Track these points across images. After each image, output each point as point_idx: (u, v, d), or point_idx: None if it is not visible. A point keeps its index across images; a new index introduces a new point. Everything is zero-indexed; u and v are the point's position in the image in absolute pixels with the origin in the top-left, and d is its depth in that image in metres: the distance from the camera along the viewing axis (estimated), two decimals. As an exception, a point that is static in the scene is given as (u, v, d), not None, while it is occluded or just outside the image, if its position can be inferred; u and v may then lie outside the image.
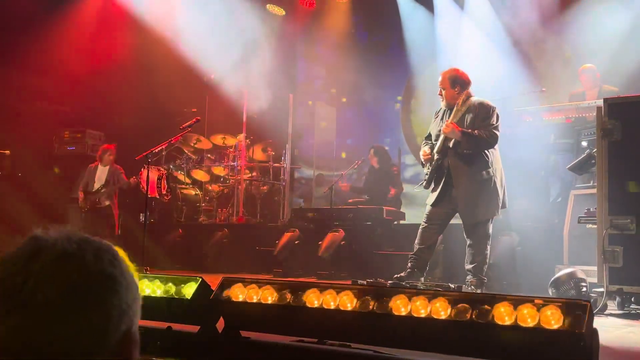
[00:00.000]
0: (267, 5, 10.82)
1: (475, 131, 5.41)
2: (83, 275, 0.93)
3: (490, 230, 5.51)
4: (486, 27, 9.41)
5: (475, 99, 5.64)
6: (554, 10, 8.77)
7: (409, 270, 5.58)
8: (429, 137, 5.94)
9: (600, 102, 4.93)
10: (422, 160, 5.75)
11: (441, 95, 5.71)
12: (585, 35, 8.04)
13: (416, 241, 5.65)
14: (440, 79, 5.74)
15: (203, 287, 2.84)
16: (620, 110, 4.76)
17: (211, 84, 10.48)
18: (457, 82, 5.63)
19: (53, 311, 0.90)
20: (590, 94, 7.38)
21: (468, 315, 1.95)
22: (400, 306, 2.05)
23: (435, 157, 5.58)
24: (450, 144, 5.52)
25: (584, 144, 6.07)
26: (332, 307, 2.14)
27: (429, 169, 5.67)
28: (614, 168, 4.74)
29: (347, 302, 2.14)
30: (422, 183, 5.77)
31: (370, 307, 2.08)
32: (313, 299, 2.18)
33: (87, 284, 0.93)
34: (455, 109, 5.62)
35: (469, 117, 5.52)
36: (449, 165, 5.54)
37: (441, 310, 1.98)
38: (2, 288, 0.91)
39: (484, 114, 5.50)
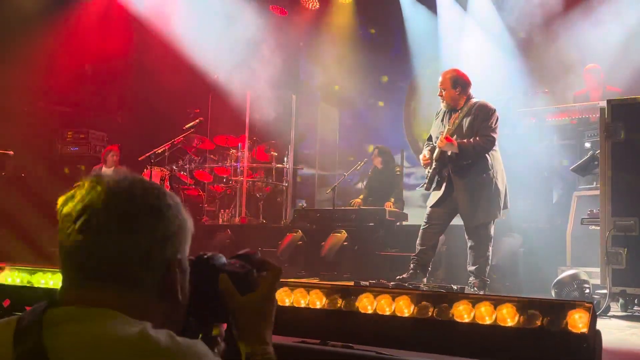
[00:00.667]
0: (270, 6, 10.82)
1: (471, 140, 5.40)
2: (132, 206, 1.12)
3: (492, 232, 5.50)
4: (489, 28, 9.40)
5: (475, 100, 5.63)
6: (557, 11, 8.76)
7: (411, 271, 5.58)
8: (430, 138, 5.93)
9: (604, 103, 4.92)
10: (422, 164, 5.75)
11: (441, 96, 5.67)
12: (589, 35, 8.03)
13: (417, 242, 5.65)
14: (440, 79, 5.71)
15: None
16: (624, 112, 4.75)
17: (214, 85, 10.49)
18: (458, 83, 5.61)
19: (106, 233, 1.10)
20: (594, 94, 7.37)
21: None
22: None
23: (434, 165, 5.58)
24: (448, 152, 5.52)
25: (587, 145, 6.07)
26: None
27: (429, 172, 5.67)
28: (617, 169, 4.73)
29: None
30: (423, 184, 5.76)
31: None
32: (299, 298, 2.22)
33: (135, 213, 1.12)
34: (455, 111, 5.61)
35: (467, 120, 5.51)
36: (449, 170, 5.54)
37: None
38: (66, 215, 1.12)
39: (483, 115, 5.48)
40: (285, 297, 2.23)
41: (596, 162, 5.20)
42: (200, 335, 1.29)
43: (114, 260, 1.10)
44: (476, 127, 5.45)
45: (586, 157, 5.50)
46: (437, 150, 5.56)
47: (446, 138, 5.42)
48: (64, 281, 1.13)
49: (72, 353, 0.99)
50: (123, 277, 1.11)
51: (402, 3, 10.50)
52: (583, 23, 8.26)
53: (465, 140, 5.41)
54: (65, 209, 1.12)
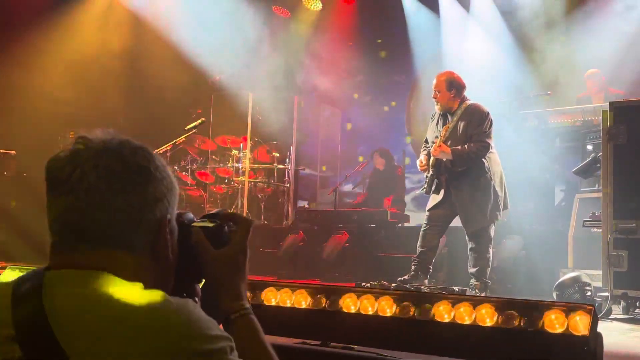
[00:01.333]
0: (273, 7, 10.83)
1: (465, 146, 5.40)
2: (121, 165, 1.11)
3: (493, 233, 5.50)
4: (492, 30, 9.39)
5: (470, 102, 5.63)
6: (560, 12, 8.75)
7: (412, 273, 5.58)
8: (427, 141, 5.93)
9: (606, 106, 4.92)
10: (419, 169, 5.76)
11: (436, 98, 5.65)
12: (592, 37, 8.02)
13: (418, 244, 5.65)
14: (435, 81, 5.69)
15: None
16: (626, 114, 4.75)
17: (216, 86, 10.49)
18: (453, 86, 5.60)
19: (96, 193, 1.09)
20: (596, 98, 7.37)
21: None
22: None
23: (430, 171, 5.58)
24: (444, 159, 5.52)
25: (590, 147, 6.06)
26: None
27: (427, 176, 5.67)
28: (619, 172, 4.72)
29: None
30: (423, 187, 5.78)
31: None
32: (270, 297, 2.24)
33: (124, 172, 1.11)
34: (449, 114, 5.61)
35: (462, 124, 5.51)
36: (450, 172, 5.54)
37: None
38: (55, 176, 1.11)
39: (477, 120, 5.48)
40: (271, 297, 2.25)
41: (598, 165, 5.19)
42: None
43: (105, 222, 1.09)
44: (470, 131, 5.45)
45: (588, 160, 5.50)
46: (432, 157, 5.57)
47: (439, 146, 5.43)
48: (54, 245, 1.12)
49: (71, 316, 1.00)
50: (115, 239, 1.10)
51: (405, 4, 10.50)
52: (585, 25, 8.26)
53: (459, 147, 5.40)
54: (53, 171, 1.11)
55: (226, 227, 1.32)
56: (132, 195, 1.11)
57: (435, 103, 5.69)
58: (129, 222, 1.11)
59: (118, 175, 1.10)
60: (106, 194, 1.09)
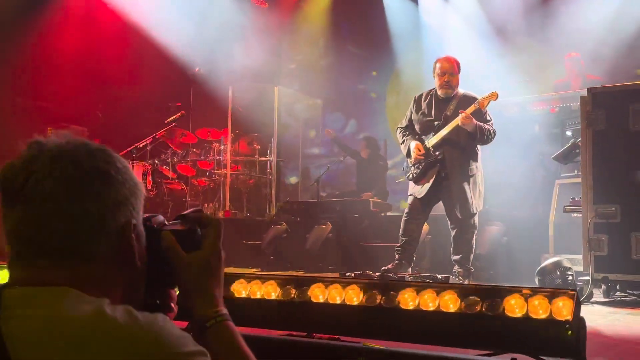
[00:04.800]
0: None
1: (485, 126, 5.42)
2: (78, 170, 1.04)
3: (477, 221, 5.53)
4: (470, 18, 9.42)
5: (463, 91, 5.66)
6: (537, 1, 8.81)
7: (396, 262, 5.59)
8: (408, 127, 5.84)
9: (585, 92, 4.96)
10: (415, 156, 5.60)
11: (447, 81, 5.57)
12: (570, 24, 8.08)
13: (400, 233, 5.65)
14: (446, 65, 5.61)
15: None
16: (604, 100, 4.80)
17: (196, 78, 10.41)
18: (460, 70, 5.65)
19: (52, 202, 1.02)
20: (574, 83, 7.43)
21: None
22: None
23: (434, 152, 5.52)
24: (450, 137, 5.49)
25: (569, 133, 6.11)
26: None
27: (419, 162, 5.59)
28: (598, 157, 4.77)
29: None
30: (408, 175, 5.71)
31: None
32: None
33: (82, 177, 1.04)
34: (447, 100, 5.61)
35: (459, 111, 5.49)
36: (444, 158, 5.51)
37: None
38: (8, 186, 1.03)
39: (479, 111, 5.48)
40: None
41: (577, 150, 5.24)
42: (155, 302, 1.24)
43: (64, 232, 1.02)
44: (475, 118, 5.45)
45: (567, 146, 5.55)
46: (442, 131, 5.49)
47: (467, 117, 5.30)
48: (12, 259, 1.05)
49: (27, 337, 0.94)
50: (75, 250, 1.04)
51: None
52: (563, 12, 8.31)
53: (481, 123, 5.40)
54: (7, 179, 1.04)
55: (199, 230, 1.25)
56: (91, 202, 1.04)
57: (444, 87, 5.57)
58: (89, 231, 1.05)
59: (75, 181, 1.04)
60: (63, 201, 1.02)
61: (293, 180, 11.13)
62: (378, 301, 2.07)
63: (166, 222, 1.26)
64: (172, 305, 1.27)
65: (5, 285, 1.03)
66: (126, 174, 1.11)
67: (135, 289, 1.15)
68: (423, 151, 5.55)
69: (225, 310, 1.22)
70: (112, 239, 1.08)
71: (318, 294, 2.18)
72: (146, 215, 1.20)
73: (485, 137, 5.43)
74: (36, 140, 1.07)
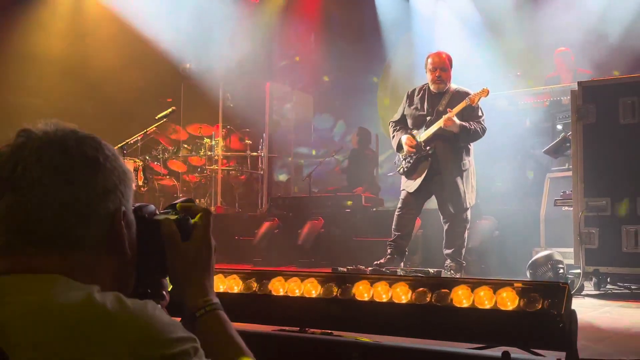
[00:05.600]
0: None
1: (471, 124, 5.42)
2: (66, 158, 1.04)
3: (469, 215, 5.55)
4: (461, 11, 9.42)
5: (455, 86, 5.66)
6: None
7: (388, 256, 5.60)
8: (400, 122, 5.85)
9: (575, 86, 4.97)
10: (407, 148, 5.61)
11: (438, 77, 5.57)
12: (560, 18, 8.09)
13: (393, 228, 5.66)
14: (436, 59, 5.61)
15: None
16: (595, 93, 4.81)
17: (186, 74, 10.37)
18: (451, 66, 5.64)
19: (40, 189, 1.02)
20: (565, 77, 7.45)
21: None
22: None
23: (425, 146, 5.52)
24: (441, 132, 5.48)
25: (559, 127, 6.14)
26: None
27: (410, 156, 5.60)
28: (589, 151, 4.79)
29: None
30: (399, 169, 5.73)
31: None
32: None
33: (70, 164, 1.04)
34: (439, 95, 5.60)
35: (451, 106, 5.48)
36: (436, 152, 5.51)
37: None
38: None
39: (470, 107, 5.48)
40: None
41: (568, 144, 5.26)
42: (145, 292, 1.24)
43: (52, 219, 1.02)
44: (467, 114, 5.46)
45: (558, 139, 5.56)
46: (433, 127, 5.50)
47: (449, 119, 5.32)
48: (1, 248, 1.04)
49: (17, 323, 0.94)
50: (64, 237, 1.04)
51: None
52: (553, 6, 8.32)
53: (465, 123, 5.40)
54: None
55: (190, 220, 1.26)
56: (79, 188, 1.04)
57: (436, 81, 5.58)
58: (78, 218, 1.04)
59: (63, 168, 1.04)
60: (51, 188, 1.02)
61: (282, 177, 11.12)
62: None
63: (157, 212, 1.27)
64: (164, 292, 1.27)
65: None
66: (115, 162, 1.11)
67: (125, 276, 1.15)
68: (415, 142, 5.56)
69: (216, 300, 1.23)
70: (102, 226, 1.08)
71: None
72: (137, 204, 1.20)
73: (471, 136, 5.44)
74: (25, 128, 1.07)
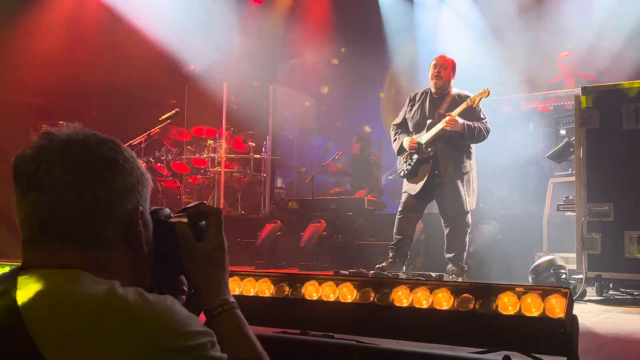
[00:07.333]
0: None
1: (475, 124, 5.42)
2: (87, 158, 1.10)
3: (470, 219, 5.54)
4: (465, 16, 9.43)
5: (456, 90, 5.67)
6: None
7: (390, 260, 5.60)
8: (401, 125, 5.86)
9: (578, 91, 4.97)
10: (409, 150, 5.62)
11: (438, 75, 5.59)
12: (564, 23, 8.09)
13: (395, 231, 5.65)
14: (439, 58, 5.65)
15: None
16: (598, 99, 4.81)
17: (190, 75, 10.39)
18: (455, 68, 5.65)
19: (63, 188, 1.07)
20: (568, 82, 7.45)
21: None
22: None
23: (426, 148, 5.52)
24: (442, 134, 5.48)
25: (563, 132, 6.13)
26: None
27: (411, 159, 5.61)
28: (592, 156, 4.78)
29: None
30: (400, 172, 5.73)
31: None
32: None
33: (91, 165, 1.10)
34: (441, 97, 5.61)
35: (455, 110, 5.49)
36: (437, 155, 5.52)
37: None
38: (21, 173, 1.09)
39: (472, 109, 5.49)
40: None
41: (571, 149, 5.26)
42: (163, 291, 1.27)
43: (74, 217, 1.08)
44: (468, 116, 5.46)
45: (561, 144, 5.56)
46: (434, 129, 5.49)
47: (452, 120, 5.33)
48: (26, 244, 1.11)
49: (46, 317, 0.99)
50: (86, 234, 1.09)
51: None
52: (557, 10, 8.32)
53: (470, 122, 5.40)
54: (20, 167, 1.10)
55: (203, 222, 1.31)
56: (100, 188, 1.10)
57: (436, 79, 5.60)
58: (98, 216, 1.10)
59: (84, 169, 1.09)
60: (73, 187, 1.08)
61: (284, 180, 11.13)
62: (372, 299, 2.08)
63: (172, 215, 1.32)
64: (183, 288, 1.31)
65: (19, 268, 1.09)
66: (134, 164, 1.17)
67: (142, 273, 1.20)
68: (417, 141, 5.58)
69: (232, 299, 1.28)
70: (120, 224, 1.13)
71: (312, 291, 2.20)
72: (153, 207, 1.25)
73: (476, 135, 5.43)
74: (48, 130, 1.13)
